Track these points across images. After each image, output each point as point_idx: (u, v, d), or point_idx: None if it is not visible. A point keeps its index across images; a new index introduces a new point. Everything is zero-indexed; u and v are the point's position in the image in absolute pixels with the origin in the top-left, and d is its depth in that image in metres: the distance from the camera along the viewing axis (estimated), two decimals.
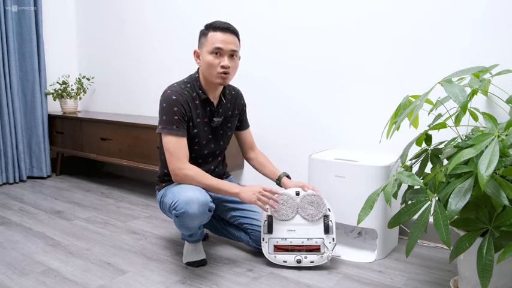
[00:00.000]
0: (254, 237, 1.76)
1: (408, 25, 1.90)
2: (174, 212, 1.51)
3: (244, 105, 1.87)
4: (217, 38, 1.58)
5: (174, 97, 1.60)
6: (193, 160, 1.69)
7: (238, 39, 1.64)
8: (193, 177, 1.59)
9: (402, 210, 1.30)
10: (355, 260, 1.74)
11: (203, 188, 1.59)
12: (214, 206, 1.58)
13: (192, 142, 1.67)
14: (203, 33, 1.63)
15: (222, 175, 1.86)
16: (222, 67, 1.59)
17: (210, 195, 1.62)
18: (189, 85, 1.66)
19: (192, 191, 1.53)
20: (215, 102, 1.71)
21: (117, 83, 3.30)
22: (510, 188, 1.11)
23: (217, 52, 1.58)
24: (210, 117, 1.71)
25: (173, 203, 1.53)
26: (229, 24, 1.62)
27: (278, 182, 1.80)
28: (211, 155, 1.77)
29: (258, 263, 1.70)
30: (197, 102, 1.66)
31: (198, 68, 1.69)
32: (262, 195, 1.61)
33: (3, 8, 2.83)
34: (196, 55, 1.67)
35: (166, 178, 1.73)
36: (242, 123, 1.87)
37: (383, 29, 1.97)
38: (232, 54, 1.61)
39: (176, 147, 1.59)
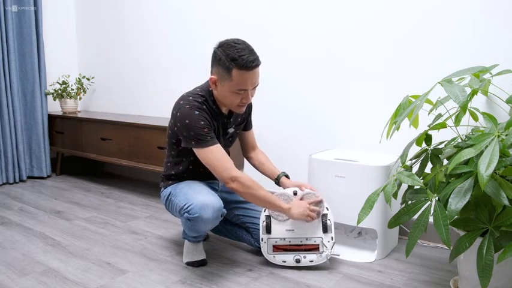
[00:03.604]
0: (256, 236, 1.76)
1: (408, 25, 1.90)
2: (186, 215, 1.50)
3: (251, 107, 1.85)
4: (244, 79, 1.49)
5: (196, 112, 1.53)
6: (204, 167, 1.63)
7: None
8: (250, 186, 1.53)
9: (402, 210, 1.30)
10: (355, 260, 1.74)
11: (254, 200, 1.56)
12: (226, 211, 1.58)
13: None
14: (224, 66, 1.49)
15: None
16: (244, 103, 1.56)
17: None
18: (204, 99, 1.59)
19: (206, 194, 1.52)
20: (227, 113, 1.68)
21: (117, 83, 3.30)
22: (510, 188, 1.11)
23: (241, 91, 1.52)
24: (224, 129, 1.69)
25: (186, 206, 1.51)
26: (254, 57, 1.49)
27: (277, 181, 1.80)
28: None
29: (258, 263, 1.70)
30: (213, 115, 1.62)
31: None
32: (310, 211, 1.62)
33: (3, 8, 2.83)
34: (213, 82, 1.56)
35: (173, 177, 1.72)
36: (247, 124, 1.86)
37: (383, 29, 1.97)
38: (255, 87, 1.57)
39: (221, 157, 1.53)
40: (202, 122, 1.53)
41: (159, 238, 1.98)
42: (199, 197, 1.50)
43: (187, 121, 1.53)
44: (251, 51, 1.50)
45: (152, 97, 3.05)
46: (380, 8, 1.97)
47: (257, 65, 1.51)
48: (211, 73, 1.57)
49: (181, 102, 1.57)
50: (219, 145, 1.55)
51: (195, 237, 1.64)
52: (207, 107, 1.59)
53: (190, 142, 1.55)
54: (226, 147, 1.77)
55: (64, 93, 3.21)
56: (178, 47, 2.83)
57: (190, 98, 1.58)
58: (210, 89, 1.61)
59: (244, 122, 1.82)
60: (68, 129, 3.11)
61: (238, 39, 1.53)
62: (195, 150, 1.56)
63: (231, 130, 1.72)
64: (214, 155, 1.53)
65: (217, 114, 1.64)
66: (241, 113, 1.64)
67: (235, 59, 1.46)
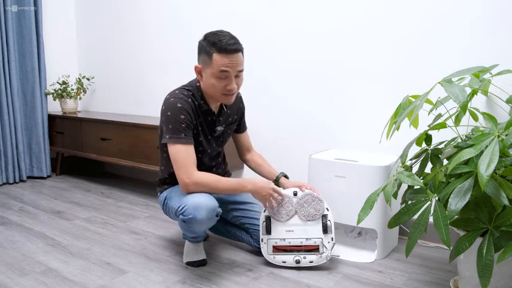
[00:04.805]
0: (255, 237, 1.76)
1: (408, 25, 1.90)
2: (181, 217, 1.50)
3: (243, 108, 1.85)
4: (223, 62, 1.49)
5: (179, 105, 1.54)
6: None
7: (243, 54, 1.56)
8: (206, 184, 1.54)
9: (402, 210, 1.30)
10: (355, 260, 1.74)
11: (219, 193, 1.57)
12: (221, 211, 1.57)
13: (197, 150, 1.64)
14: (206, 52, 1.51)
15: (223, 175, 1.85)
16: (229, 90, 1.55)
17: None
18: (191, 93, 1.61)
19: (199, 195, 1.51)
20: (216, 111, 1.68)
21: (117, 83, 3.30)
22: (510, 188, 1.11)
23: (223, 75, 1.52)
24: (212, 127, 1.69)
25: (180, 208, 1.51)
26: (234, 41, 1.50)
27: (276, 182, 1.80)
28: (213, 159, 1.77)
29: (258, 263, 1.70)
30: (199, 111, 1.62)
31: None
32: (272, 198, 1.62)
33: (3, 8, 2.83)
34: (198, 71, 1.58)
35: (168, 180, 1.73)
36: (240, 126, 1.86)
37: (383, 29, 1.97)
38: (238, 74, 1.56)
39: (185, 157, 1.52)
40: (182, 116, 1.54)
41: (159, 238, 1.98)
42: (193, 198, 1.50)
43: (168, 113, 1.55)
44: (233, 37, 1.52)
45: (152, 97, 3.05)
46: (380, 8, 1.97)
47: (237, 49, 1.51)
48: (197, 63, 1.59)
49: (168, 96, 1.59)
50: (190, 146, 1.55)
51: (195, 237, 1.64)
52: (192, 100, 1.59)
53: (165, 136, 1.55)
54: (218, 146, 1.76)
55: (64, 93, 3.21)
56: (178, 47, 2.83)
57: (177, 91, 1.60)
58: (198, 84, 1.62)
59: (236, 122, 1.82)
60: (68, 129, 3.11)
61: (222, 30, 1.55)
62: (168, 145, 1.56)
63: (219, 128, 1.71)
64: (180, 154, 1.53)
65: (204, 111, 1.63)
66: (229, 103, 1.61)
67: (215, 43, 1.49)
